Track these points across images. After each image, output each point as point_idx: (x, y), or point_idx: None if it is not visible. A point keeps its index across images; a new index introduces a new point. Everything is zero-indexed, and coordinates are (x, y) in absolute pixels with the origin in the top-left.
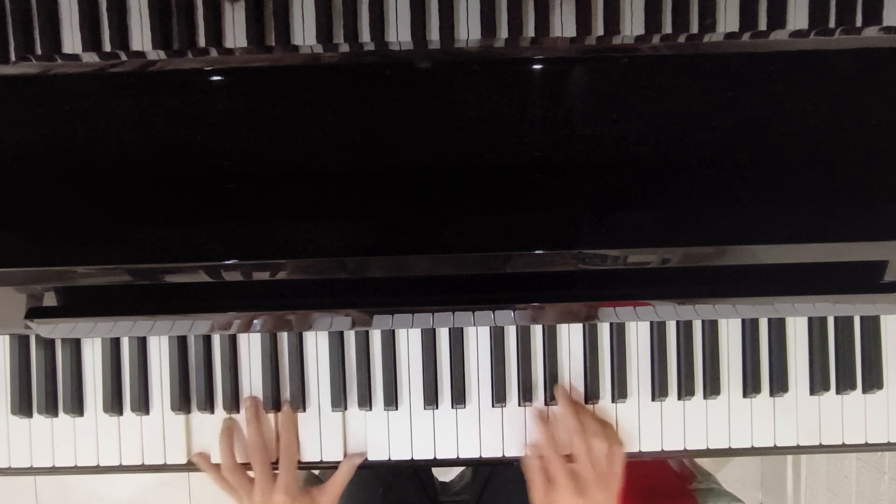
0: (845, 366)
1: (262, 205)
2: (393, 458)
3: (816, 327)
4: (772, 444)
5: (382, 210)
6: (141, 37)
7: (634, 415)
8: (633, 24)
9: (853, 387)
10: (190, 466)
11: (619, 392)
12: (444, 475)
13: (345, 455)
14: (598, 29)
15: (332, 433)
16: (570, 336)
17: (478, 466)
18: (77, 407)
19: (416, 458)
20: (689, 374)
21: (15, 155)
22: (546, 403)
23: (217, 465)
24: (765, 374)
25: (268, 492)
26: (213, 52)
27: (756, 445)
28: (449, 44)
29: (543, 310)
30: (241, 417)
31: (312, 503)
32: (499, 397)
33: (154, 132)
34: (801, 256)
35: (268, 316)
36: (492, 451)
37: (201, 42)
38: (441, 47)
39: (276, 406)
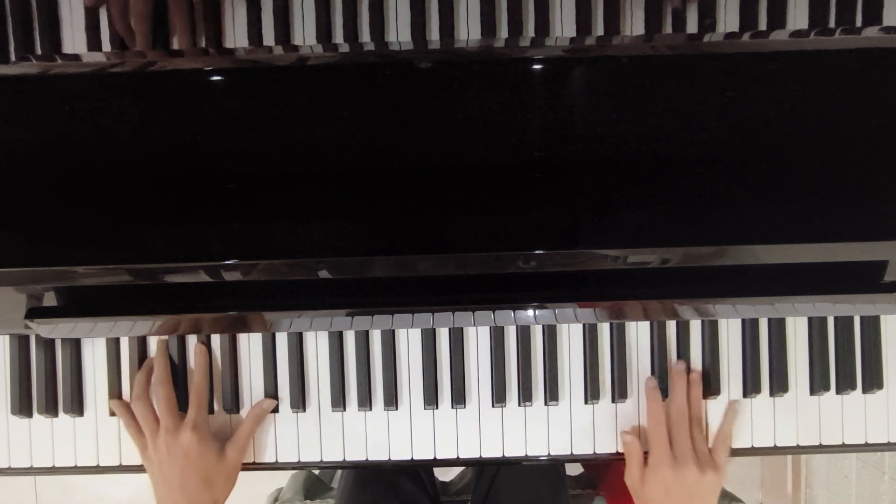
0: (845, 366)
1: (261, 205)
2: (393, 458)
3: (816, 327)
4: (772, 444)
5: (382, 210)
6: None
7: (634, 415)
8: (633, 24)
9: (853, 387)
10: (126, 404)
11: (619, 392)
12: (445, 475)
13: (343, 454)
14: (598, 29)
15: (331, 433)
16: (570, 336)
17: (480, 466)
18: (77, 407)
19: (416, 458)
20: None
21: (15, 155)
22: (546, 404)
23: (127, 405)
24: (765, 374)
25: (173, 430)
26: (213, 52)
27: (756, 445)
28: (449, 44)
29: (544, 310)
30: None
31: (221, 453)
32: (499, 397)
33: (154, 132)
34: (801, 256)
35: (267, 316)
36: (492, 452)
37: (201, 42)
38: (441, 47)
39: (276, 406)
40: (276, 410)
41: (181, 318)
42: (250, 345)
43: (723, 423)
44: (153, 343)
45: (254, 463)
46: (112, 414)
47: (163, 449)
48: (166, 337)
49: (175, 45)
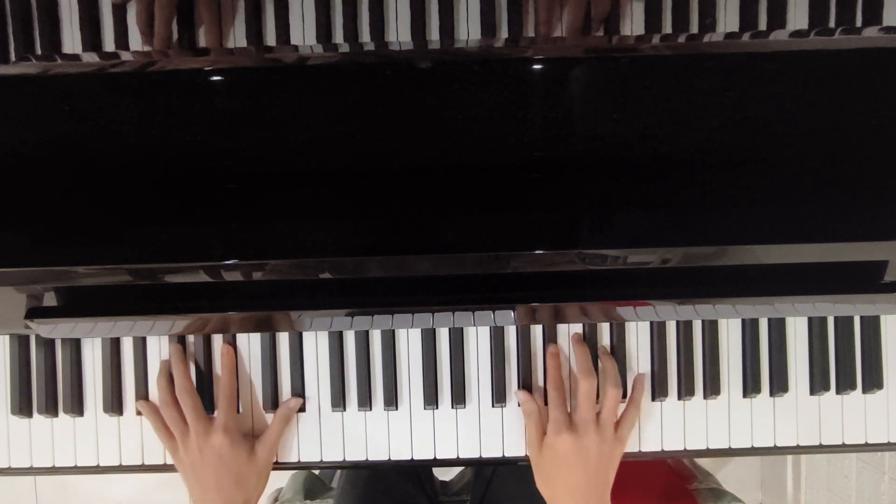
0: (845, 366)
1: (261, 205)
2: (393, 458)
3: (816, 327)
4: (772, 444)
5: (383, 210)
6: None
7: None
8: (633, 24)
9: (853, 387)
10: (155, 407)
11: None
12: (444, 475)
13: (343, 454)
14: (598, 29)
15: (331, 433)
16: (571, 336)
17: (479, 467)
18: (77, 407)
19: (416, 458)
20: (689, 374)
21: (15, 155)
22: (546, 403)
23: (157, 408)
24: (765, 374)
25: (203, 433)
26: (213, 52)
27: (756, 445)
28: (449, 44)
29: (544, 310)
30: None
31: (251, 453)
32: (499, 397)
33: (154, 132)
34: (801, 256)
35: (267, 316)
36: (492, 452)
37: (201, 42)
38: (441, 47)
39: (275, 405)
40: (274, 409)
41: (180, 319)
42: (250, 345)
43: (631, 395)
44: (153, 343)
45: None
46: (127, 414)
47: (195, 451)
48: (178, 343)
49: (202, 41)
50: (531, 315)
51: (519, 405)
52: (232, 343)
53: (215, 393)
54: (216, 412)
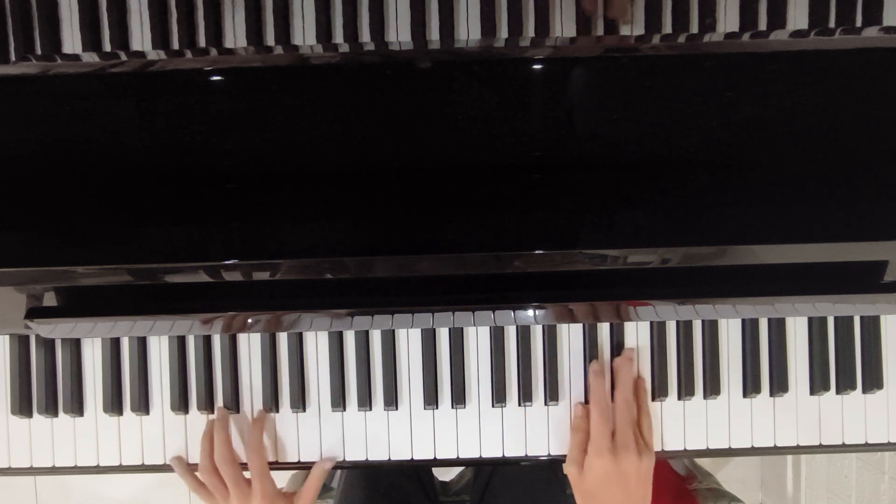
0: (845, 366)
1: (262, 205)
2: (393, 458)
3: (816, 327)
4: (772, 444)
5: (383, 210)
6: (141, 37)
7: None
8: (633, 24)
9: (853, 387)
10: (189, 467)
11: None
12: (445, 475)
13: (343, 454)
14: (599, 29)
15: (331, 433)
16: (570, 336)
17: (478, 467)
18: (77, 407)
19: (416, 458)
20: (689, 374)
21: (15, 155)
22: (546, 404)
23: (192, 470)
24: (765, 374)
25: (243, 498)
26: (213, 52)
27: (756, 445)
28: (449, 44)
29: (544, 310)
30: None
31: None
32: (499, 397)
33: (154, 132)
34: (801, 256)
35: (267, 316)
36: (492, 452)
37: (201, 42)
38: (441, 47)
39: (276, 406)
40: (276, 410)
41: (180, 319)
42: (250, 344)
43: (638, 403)
44: (153, 343)
45: None
46: (127, 414)
47: None
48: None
49: (175, 44)
50: (531, 315)
51: (575, 419)
52: (232, 342)
53: (249, 463)
54: (252, 481)
